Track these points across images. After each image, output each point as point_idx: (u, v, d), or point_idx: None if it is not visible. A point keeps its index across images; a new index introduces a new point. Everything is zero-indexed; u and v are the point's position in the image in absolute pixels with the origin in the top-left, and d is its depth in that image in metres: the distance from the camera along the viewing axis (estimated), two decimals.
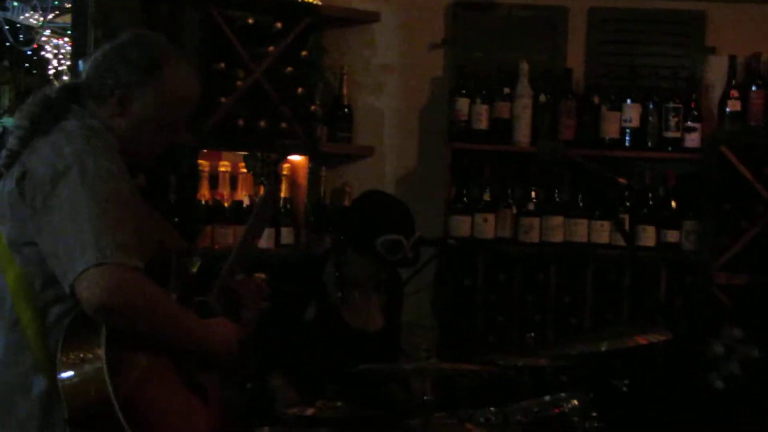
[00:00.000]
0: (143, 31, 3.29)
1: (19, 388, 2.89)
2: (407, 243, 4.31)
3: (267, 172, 3.50)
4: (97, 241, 2.71)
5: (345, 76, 5.79)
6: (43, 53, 7.80)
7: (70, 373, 2.74)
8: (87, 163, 2.81)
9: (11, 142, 2.99)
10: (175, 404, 2.89)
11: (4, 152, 3.02)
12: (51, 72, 7.70)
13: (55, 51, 7.74)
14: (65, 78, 7.30)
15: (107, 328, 2.74)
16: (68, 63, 7.33)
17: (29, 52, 7.83)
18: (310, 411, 3.86)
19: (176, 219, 4.96)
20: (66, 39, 7.44)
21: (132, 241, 2.78)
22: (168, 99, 3.06)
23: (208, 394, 3.00)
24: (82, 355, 2.74)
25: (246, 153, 3.54)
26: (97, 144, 2.91)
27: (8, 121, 6.74)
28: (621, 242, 5.60)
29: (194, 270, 3.25)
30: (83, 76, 3.11)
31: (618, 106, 5.71)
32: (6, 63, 8.01)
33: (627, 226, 5.58)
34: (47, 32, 7.56)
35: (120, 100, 3.02)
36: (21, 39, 7.67)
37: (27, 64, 7.99)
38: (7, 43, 7.56)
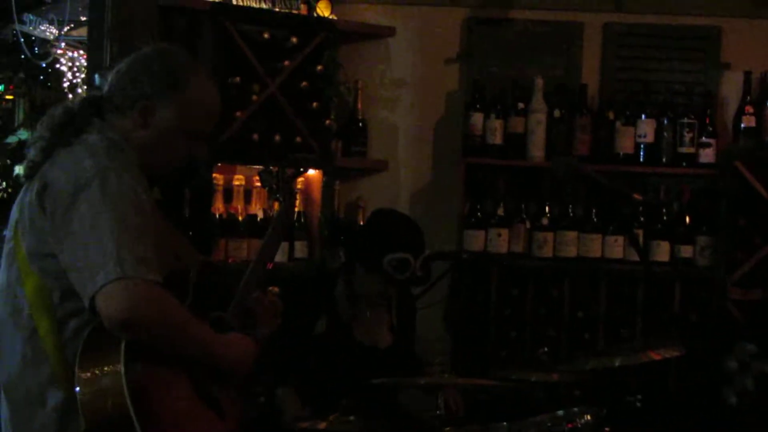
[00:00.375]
0: (166, 45, 3.30)
1: (36, 400, 2.89)
2: (415, 262, 4.33)
3: (282, 188, 3.51)
4: (117, 256, 2.71)
5: (360, 91, 5.80)
6: (58, 66, 7.82)
7: (88, 387, 2.73)
8: (108, 176, 2.82)
9: (33, 153, 3.00)
10: (192, 419, 2.89)
11: (25, 163, 3.03)
12: (66, 85, 7.71)
13: (70, 64, 7.75)
14: (79, 91, 7.31)
15: (126, 341, 2.74)
16: (83, 76, 7.35)
17: (44, 65, 7.85)
18: (322, 425, 3.87)
19: (190, 232, 4.97)
20: (81, 52, 7.45)
21: (152, 255, 2.78)
22: (190, 111, 3.07)
23: (224, 408, 3.00)
24: (100, 369, 2.74)
25: (261, 168, 3.56)
26: (118, 157, 2.91)
27: (23, 134, 6.75)
28: (635, 257, 5.59)
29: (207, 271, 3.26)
30: (105, 88, 3.11)
31: (632, 122, 5.71)
32: (21, 76, 8.03)
33: (641, 242, 5.57)
34: (62, 45, 7.57)
35: (142, 112, 3.02)
36: (36, 52, 7.69)
37: (42, 77, 8.01)
38: (23, 57, 7.58)
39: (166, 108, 3.03)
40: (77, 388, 2.74)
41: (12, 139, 6.90)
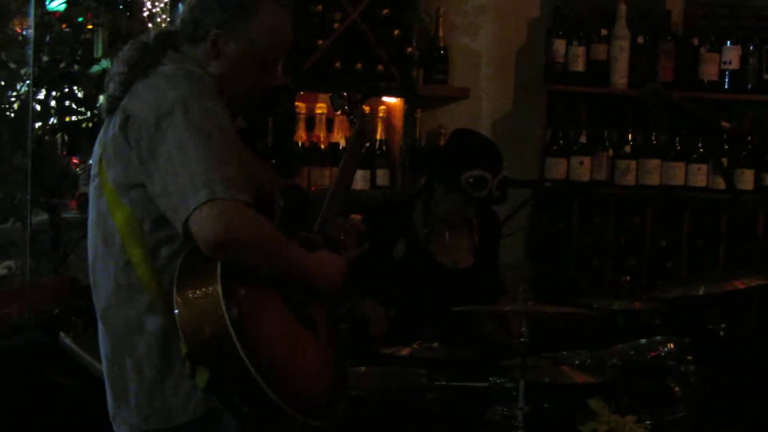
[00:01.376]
0: None
1: (136, 329, 2.93)
2: (492, 180, 4.34)
3: (354, 111, 3.53)
4: (207, 178, 2.73)
5: (441, 18, 5.76)
6: None
7: (187, 310, 2.76)
8: (190, 102, 2.83)
9: (112, 87, 3.00)
10: (289, 337, 2.91)
11: (105, 98, 3.04)
12: (145, 14, 7.73)
13: None
14: (158, 20, 7.34)
15: (222, 264, 2.77)
16: (162, 5, 7.36)
17: None
18: (405, 351, 3.91)
19: (273, 161, 5.01)
20: None
21: (240, 176, 2.79)
22: (263, 39, 3.06)
23: (318, 327, 3.04)
24: (198, 292, 2.76)
25: (332, 93, 3.57)
26: (198, 85, 2.93)
27: (105, 63, 6.82)
28: (718, 186, 5.54)
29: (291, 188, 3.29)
30: (177, 21, 3.12)
31: (717, 48, 5.63)
32: (96, 5, 8.03)
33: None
34: None
35: (214, 42, 3.03)
36: None
37: (121, 6, 8.02)
38: None
39: (238, 37, 3.03)
40: (176, 311, 2.77)
41: (95, 69, 6.97)
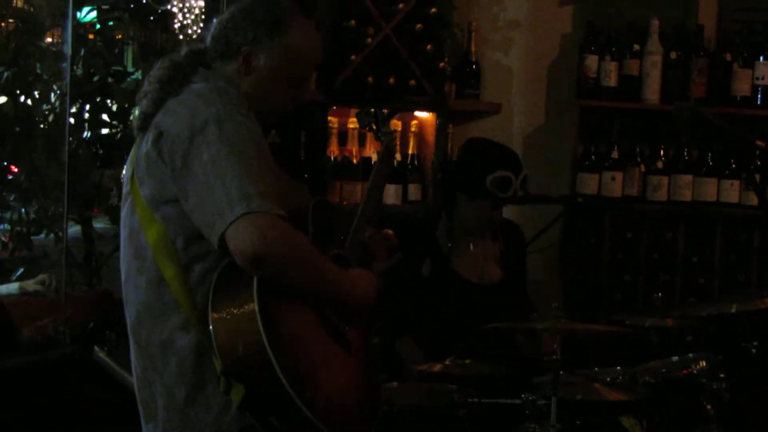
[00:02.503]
0: None
1: (168, 347, 2.94)
2: (516, 179, 4.36)
3: (381, 128, 3.55)
4: (243, 192, 2.72)
5: (473, 33, 5.77)
6: (168, 6, 7.81)
7: (222, 327, 2.77)
8: (223, 118, 2.83)
9: (144, 104, 3.01)
10: (324, 355, 2.91)
11: (137, 115, 3.04)
12: (177, 26, 7.75)
13: (181, 5, 7.76)
14: (189, 32, 7.36)
15: (257, 280, 2.77)
16: (193, 17, 7.38)
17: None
18: (437, 368, 3.92)
19: (306, 175, 5.03)
20: None
21: (274, 190, 2.80)
22: (293, 55, 3.08)
23: (351, 344, 3.05)
24: (234, 309, 2.76)
25: (358, 110, 3.59)
26: (230, 101, 2.94)
27: (137, 76, 6.86)
28: (751, 202, 5.53)
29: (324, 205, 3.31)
30: (208, 38, 3.13)
31: (750, 64, 5.62)
32: (130, 18, 8.03)
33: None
34: None
35: (246, 58, 3.04)
36: None
37: (152, 18, 8.02)
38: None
39: (269, 54, 3.05)
40: (211, 328, 2.78)
41: (128, 82, 7.01)
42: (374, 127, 3.56)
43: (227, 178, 2.76)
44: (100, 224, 6.48)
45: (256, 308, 2.73)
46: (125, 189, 3.07)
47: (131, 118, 3.13)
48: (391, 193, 5.35)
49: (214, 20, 3.19)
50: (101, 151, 6.62)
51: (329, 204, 3.51)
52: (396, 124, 5.28)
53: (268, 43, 3.04)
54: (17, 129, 6.12)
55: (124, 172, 3.12)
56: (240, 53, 3.05)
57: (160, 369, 2.97)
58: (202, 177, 2.80)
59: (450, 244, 4.53)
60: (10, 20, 5.99)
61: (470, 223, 4.52)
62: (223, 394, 2.80)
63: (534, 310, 4.54)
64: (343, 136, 5.40)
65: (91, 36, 6.90)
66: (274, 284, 2.79)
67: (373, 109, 3.56)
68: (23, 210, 5.99)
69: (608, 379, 3.98)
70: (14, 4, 6.12)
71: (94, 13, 6.75)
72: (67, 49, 5.76)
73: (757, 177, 5.52)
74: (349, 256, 3.19)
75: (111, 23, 7.13)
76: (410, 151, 5.52)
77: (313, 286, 2.90)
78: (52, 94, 6.56)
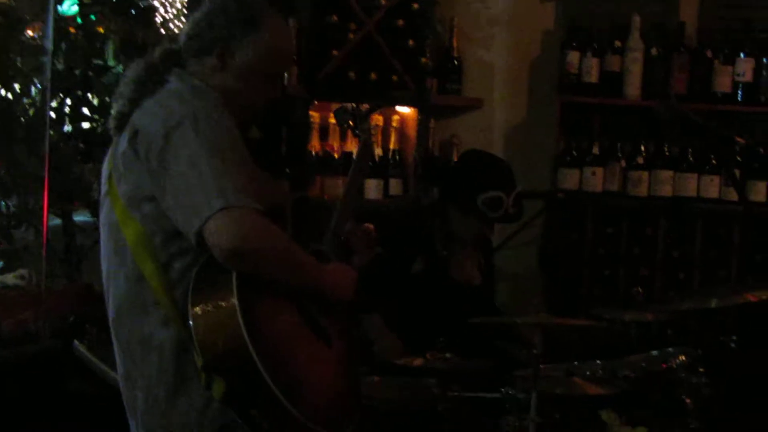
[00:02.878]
0: None
1: (150, 342, 2.95)
2: (508, 199, 4.37)
3: (359, 126, 3.55)
4: (219, 187, 2.74)
5: (455, 29, 5.79)
6: (150, 0, 7.75)
7: (203, 322, 2.78)
8: (198, 115, 2.85)
9: (119, 104, 3.03)
10: (304, 348, 2.93)
11: (114, 115, 3.06)
12: (158, 21, 7.71)
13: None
14: (171, 26, 7.34)
15: (236, 275, 2.79)
16: (174, 11, 7.35)
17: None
18: (418, 362, 3.92)
19: (287, 170, 5.03)
20: None
21: (251, 185, 2.82)
22: (267, 51, 3.09)
23: (331, 338, 3.06)
24: (214, 304, 2.78)
25: (337, 107, 3.59)
26: (204, 99, 2.96)
27: (118, 70, 6.84)
28: (731, 197, 5.55)
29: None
30: (182, 37, 3.14)
31: (731, 60, 5.64)
32: (111, 12, 7.97)
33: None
34: None
35: (220, 55, 3.06)
36: None
37: (133, 11, 7.96)
38: None
39: (243, 50, 3.06)
40: (191, 323, 2.79)
41: (109, 76, 6.98)
42: (351, 124, 3.56)
43: (204, 175, 2.77)
44: (80, 217, 6.47)
45: (236, 302, 2.74)
46: (103, 188, 3.08)
47: (111, 112, 3.14)
48: (372, 188, 5.36)
49: (188, 19, 3.21)
50: (82, 145, 6.61)
51: (309, 201, 3.52)
52: (377, 119, 5.29)
53: (241, 40, 3.06)
54: None
55: (102, 170, 3.12)
56: (214, 50, 3.06)
57: (140, 365, 2.98)
58: (178, 173, 2.81)
59: (445, 252, 4.54)
60: None
61: (459, 233, 4.54)
62: (204, 389, 2.81)
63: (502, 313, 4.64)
64: (324, 131, 5.41)
65: (72, 29, 6.86)
66: (254, 278, 2.81)
67: (351, 106, 3.56)
68: (2, 203, 5.97)
69: (588, 373, 3.99)
70: None
71: (75, 8, 6.72)
72: (48, 44, 5.73)
73: (737, 173, 5.55)
74: (327, 252, 3.20)
75: (93, 17, 7.10)
76: (392, 146, 5.54)
77: (292, 278, 2.92)
78: (33, 88, 6.53)
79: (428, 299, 4.45)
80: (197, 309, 2.80)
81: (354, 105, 3.55)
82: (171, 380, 2.93)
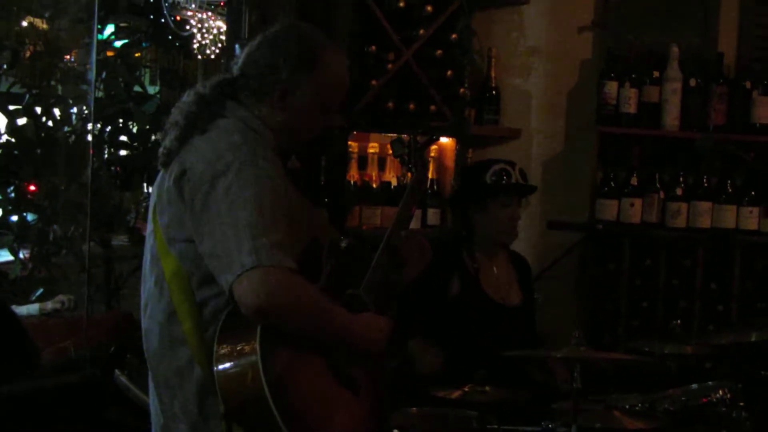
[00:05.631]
0: (295, 21, 3.35)
1: (176, 380, 2.99)
2: (514, 171, 4.59)
3: (414, 157, 3.54)
4: (253, 244, 2.77)
5: (493, 59, 5.79)
6: (188, 27, 7.81)
7: (225, 368, 2.81)
8: (245, 162, 2.87)
9: (168, 140, 3.05)
10: (328, 399, 2.94)
11: (161, 150, 3.08)
12: (195, 47, 7.77)
13: (199, 25, 7.76)
14: (208, 52, 7.39)
15: (261, 327, 2.80)
16: (211, 37, 7.41)
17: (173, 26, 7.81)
18: (456, 394, 3.92)
19: (326, 199, 5.05)
20: (210, 14, 7.50)
21: (287, 240, 2.83)
22: (325, 88, 3.11)
23: (360, 386, 3.05)
24: (237, 351, 2.80)
25: (393, 137, 3.58)
26: (255, 142, 2.97)
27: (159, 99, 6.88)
28: None
29: (343, 246, 3.29)
30: (237, 71, 3.14)
31: None
32: (150, 40, 8.01)
33: None
34: (192, 5, 7.61)
35: (282, 96, 3.07)
36: (168, 15, 7.74)
37: (170, 37, 8.00)
38: (152, 17, 7.61)
39: (303, 89, 3.08)
40: (215, 368, 2.81)
41: (149, 105, 7.02)
42: (406, 158, 3.55)
43: (240, 228, 2.79)
44: (118, 242, 6.51)
45: (258, 353, 2.77)
46: (149, 215, 3.11)
47: (151, 139, 3.17)
48: None
49: (238, 48, 3.22)
50: (120, 172, 6.66)
51: (346, 242, 3.51)
52: (432, 149, 5.34)
53: (301, 79, 3.07)
54: (38, 151, 6.16)
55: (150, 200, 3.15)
56: (274, 91, 3.07)
57: (165, 401, 3.02)
58: (217, 223, 2.83)
59: (476, 265, 4.56)
60: (33, 45, 6.03)
61: (492, 229, 4.58)
62: None
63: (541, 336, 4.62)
64: (362, 160, 5.42)
65: (109, 53, 6.91)
66: (279, 330, 2.82)
67: (407, 137, 3.55)
68: (47, 232, 6.03)
69: (627, 407, 3.98)
70: (39, 27, 6.16)
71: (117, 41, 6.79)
72: (91, 75, 5.79)
73: None
74: (363, 296, 3.19)
75: (127, 42, 7.14)
76: (430, 176, 5.54)
77: (320, 332, 2.93)
78: (73, 116, 6.59)
79: (465, 320, 4.47)
80: (221, 354, 2.83)
81: (411, 136, 3.55)
82: (192, 418, 2.97)
